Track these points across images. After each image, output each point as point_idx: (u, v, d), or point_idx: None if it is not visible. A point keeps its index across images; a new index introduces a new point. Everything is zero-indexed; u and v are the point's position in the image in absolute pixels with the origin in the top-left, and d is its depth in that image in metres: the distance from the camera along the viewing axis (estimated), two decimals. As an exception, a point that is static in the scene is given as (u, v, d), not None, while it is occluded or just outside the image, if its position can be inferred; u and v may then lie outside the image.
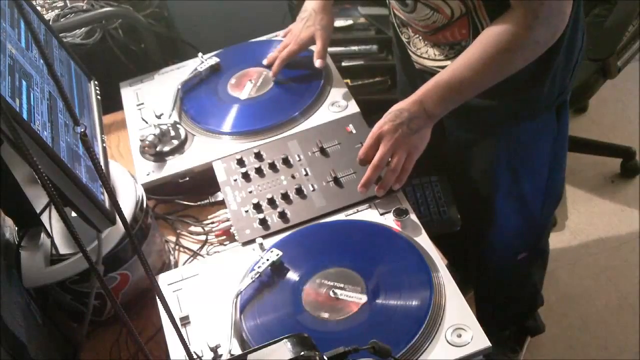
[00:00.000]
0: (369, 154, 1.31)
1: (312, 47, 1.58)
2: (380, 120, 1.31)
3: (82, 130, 0.80)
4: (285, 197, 1.34)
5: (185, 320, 1.18)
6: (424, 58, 1.42)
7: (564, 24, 1.21)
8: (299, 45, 1.57)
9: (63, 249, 1.22)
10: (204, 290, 1.23)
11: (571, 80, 1.42)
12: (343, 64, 2.23)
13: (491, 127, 1.43)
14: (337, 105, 1.52)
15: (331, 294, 1.15)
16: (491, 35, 1.22)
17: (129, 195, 1.25)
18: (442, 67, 1.35)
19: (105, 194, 1.10)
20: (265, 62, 1.62)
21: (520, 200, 1.56)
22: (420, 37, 1.41)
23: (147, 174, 1.45)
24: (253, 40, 1.76)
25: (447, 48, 1.36)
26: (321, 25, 1.55)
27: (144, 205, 1.28)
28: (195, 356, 1.07)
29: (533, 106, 1.39)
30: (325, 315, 1.13)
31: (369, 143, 1.31)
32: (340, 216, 1.31)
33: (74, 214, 1.05)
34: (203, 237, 1.39)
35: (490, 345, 1.06)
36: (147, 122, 1.54)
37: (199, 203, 1.44)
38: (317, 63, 1.55)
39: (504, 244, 1.67)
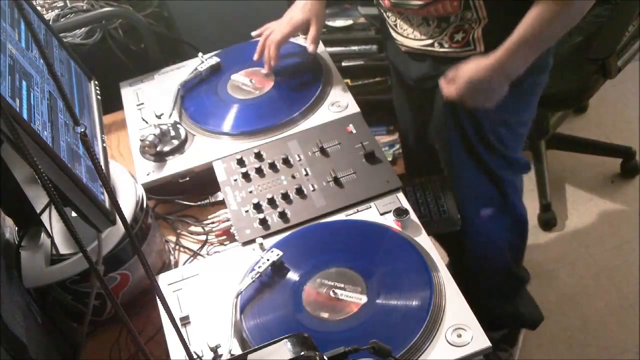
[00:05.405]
0: None
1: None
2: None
3: (82, 130, 0.80)
4: (285, 197, 1.34)
5: (185, 320, 1.18)
6: (410, 39, 1.45)
7: None
8: (293, 27, 1.59)
9: (63, 249, 1.22)
10: (204, 290, 1.23)
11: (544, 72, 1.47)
12: (343, 64, 2.23)
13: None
14: (337, 105, 1.52)
15: (331, 294, 1.15)
16: None
17: (129, 195, 1.25)
18: (426, 46, 1.40)
19: (105, 194, 1.10)
20: (256, 57, 1.62)
21: (470, 150, 1.54)
22: (408, 17, 1.42)
23: (147, 174, 1.45)
24: (253, 40, 1.76)
25: (434, 24, 1.38)
26: (318, 13, 1.59)
27: (144, 205, 1.28)
28: (195, 356, 1.07)
29: None
30: (326, 315, 1.13)
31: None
32: (340, 216, 1.31)
33: (74, 214, 1.05)
34: (203, 237, 1.39)
35: (491, 345, 1.06)
36: (147, 122, 1.54)
37: (199, 203, 1.44)
38: (311, 48, 1.58)
39: (462, 196, 1.58)
